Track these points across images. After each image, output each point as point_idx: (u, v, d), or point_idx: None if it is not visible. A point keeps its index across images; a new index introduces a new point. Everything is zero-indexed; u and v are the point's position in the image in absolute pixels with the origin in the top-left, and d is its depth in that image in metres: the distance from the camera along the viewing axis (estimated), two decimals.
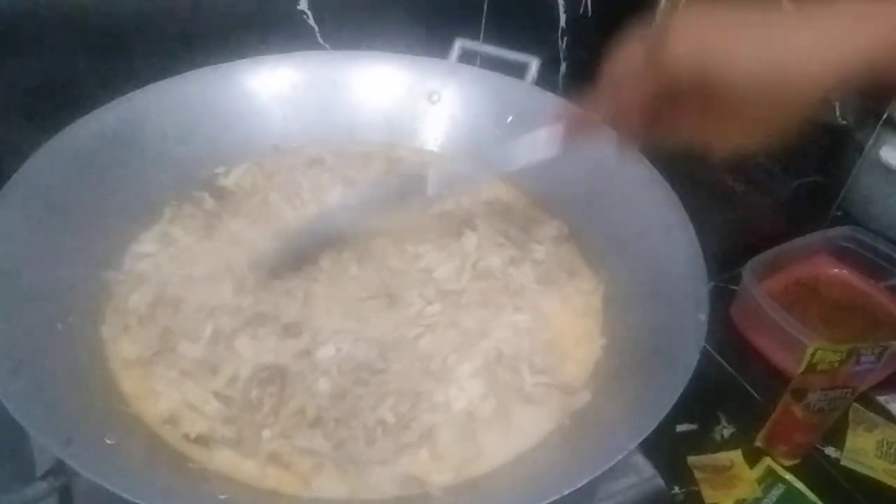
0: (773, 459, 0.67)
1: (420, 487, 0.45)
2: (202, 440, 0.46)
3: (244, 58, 0.67)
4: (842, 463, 0.68)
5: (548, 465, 0.46)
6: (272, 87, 0.68)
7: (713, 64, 0.37)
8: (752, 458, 0.67)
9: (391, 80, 0.70)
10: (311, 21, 0.75)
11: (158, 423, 0.47)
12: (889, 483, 0.67)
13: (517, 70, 0.70)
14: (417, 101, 0.70)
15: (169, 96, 0.63)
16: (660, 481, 0.58)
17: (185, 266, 0.56)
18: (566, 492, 0.38)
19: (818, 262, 0.86)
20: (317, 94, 0.69)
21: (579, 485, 0.39)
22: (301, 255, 0.56)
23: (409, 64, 0.70)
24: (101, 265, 0.55)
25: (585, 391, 0.51)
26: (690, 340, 0.47)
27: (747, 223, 0.91)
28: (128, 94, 0.61)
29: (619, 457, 0.40)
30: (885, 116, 0.88)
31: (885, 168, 0.89)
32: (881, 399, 0.74)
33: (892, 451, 0.69)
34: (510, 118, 0.68)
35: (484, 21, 0.84)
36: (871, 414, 0.72)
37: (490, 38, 0.82)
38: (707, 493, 0.64)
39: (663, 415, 0.41)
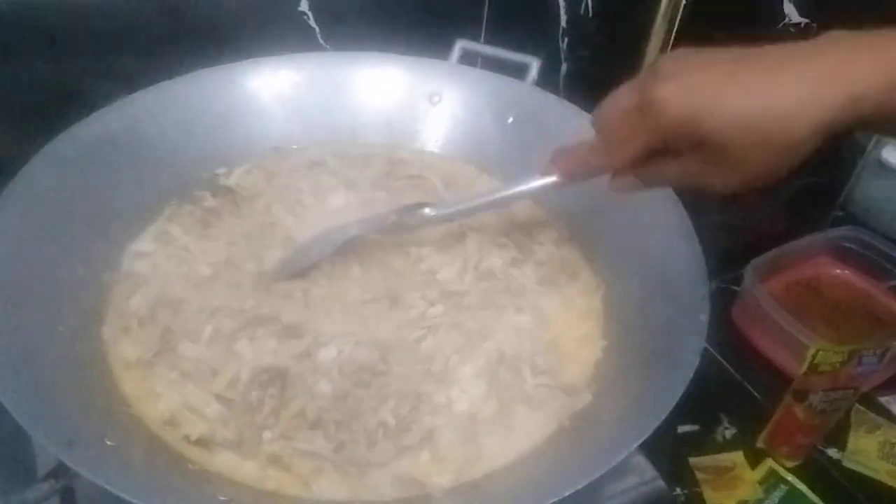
0: (775, 460, 0.67)
1: (421, 489, 0.45)
2: (203, 441, 0.46)
3: (245, 59, 0.67)
4: (844, 464, 0.68)
5: (549, 467, 0.46)
6: (273, 88, 0.68)
7: (702, 109, 0.37)
8: (754, 459, 0.67)
9: (392, 81, 0.70)
10: (312, 22, 0.75)
11: (159, 424, 0.47)
12: (891, 484, 0.67)
13: (518, 71, 0.70)
14: (418, 103, 0.70)
15: (170, 98, 0.63)
16: (661, 482, 0.58)
17: (183, 266, 0.56)
18: (567, 493, 0.38)
19: (819, 263, 0.86)
20: (318, 96, 0.69)
21: (580, 486, 0.39)
22: (304, 266, 0.56)
23: (410, 65, 0.70)
24: (102, 267, 0.55)
25: (586, 392, 0.51)
26: (691, 342, 0.47)
27: (749, 224, 0.90)
28: (129, 96, 0.61)
29: (620, 458, 0.40)
30: None
31: (887, 168, 0.89)
32: (883, 400, 0.74)
33: (895, 452, 0.69)
34: (511, 119, 0.68)
35: (485, 22, 0.84)
36: (873, 415, 0.72)
37: (491, 40, 0.82)
38: (708, 494, 0.64)
39: (664, 416, 0.41)
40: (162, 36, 0.68)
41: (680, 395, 0.42)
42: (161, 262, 0.56)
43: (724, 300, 0.81)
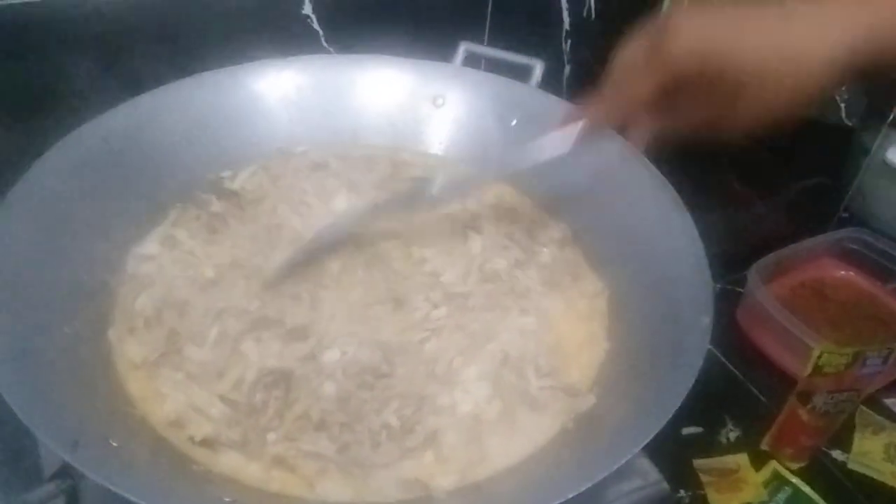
0: (780, 462, 0.67)
1: (424, 491, 0.45)
2: (207, 443, 0.46)
3: (249, 61, 0.67)
4: (849, 466, 0.68)
5: (552, 469, 0.46)
6: (277, 90, 0.68)
7: (716, 51, 0.38)
8: (759, 461, 0.67)
9: (395, 83, 0.70)
10: (316, 25, 0.75)
11: (164, 425, 0.47)
12: None
13: (521, 73, 0.70)
14: (422, 105, 0.70)
15: (174, 100, 0.63)
16: (665, 485, 0.58)
17: (188, 269, 0.57)
18: (570, 495, 0.38)
19: (824, 265, 0.86)
20: (321, 98, 0.69)
21: (584, 488, 0.39)
22: (309, 261, 0.56)
23: (414, 67, 0.70)
24: (107, 269, 0.55)
25: (590, 394, 0.51)
26: (694, 344, 0.46)
27: (753, 225, 0.91)
28: (133, 99, 0.61)
29: (624, 460, 0.40)
30: (890, 117, 0.88)
31: (892, 169, 0.89)
32: (888, 402, 0.74)
33: None
34: (514, 121, 0.68)
35: (488, 24, 0.85)
36: (879, 417, 0.72)
37: (494, 42, 0.82)
38: (713, 496, 0.64)
39: (667, 418, 0.41)
40: (166, 39, 0.68)
41: (684, 397, 0.42)
42: (166, 265, 0.57)
43: (728, 302, 0.81)
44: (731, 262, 0.81)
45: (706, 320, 0.48)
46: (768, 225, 0.92)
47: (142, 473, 0.41)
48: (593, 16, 0.90)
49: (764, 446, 0.68)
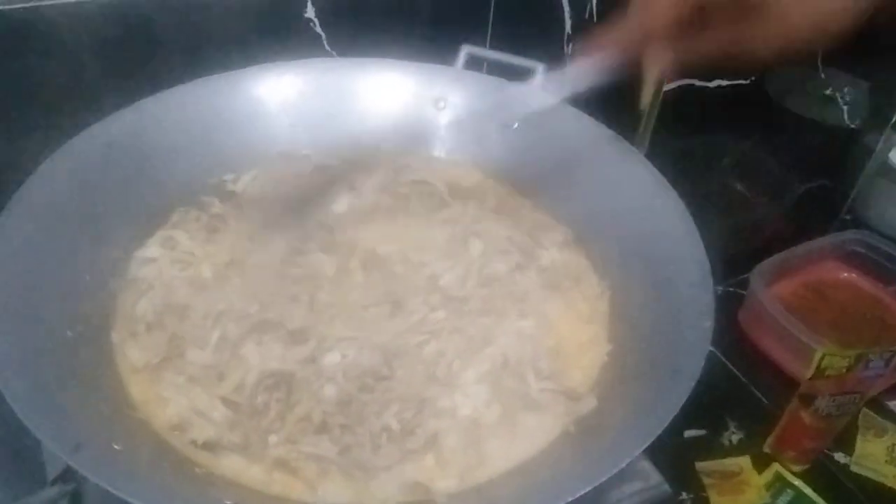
0: (782, 465, 0.67)
1: (425, 493, 0.45)
2: (209, 446, 0.46)
3: (251, 65, 0.67)
4: (851, 469, 0.68)
5: (553, 472, 0.46)
6: (279, 94, 0.68)
7: None
8: (761, 463, 0.67)
9: (397, 86, 0.70)
10: (318, 28, 0.75)
11: (166, 428, 0.47)
12: None
13: (523, 76, 0.70)
14: (424, 108, 0.70)
15: (177, 104, 0.63)
16: (666, 487, 0.58)
17: (187, 268, 0.57)
18: (571, 498, 0.38)
19: (826, 267, 0.86)
20: (323, 101, 0.69)
21: (584, 491, 0.39)
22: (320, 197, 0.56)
23: (416, 70, 0.70)
24: (109, 273, 0.55)
25: (591, 397, 0.51)
26: (697, 346, 0.46)
27: (755, 227, 0.90)
28: (135, 103, 0.61)
29: (625, 463, 0.40)
30: (893, 119, 0.88)
31: (894, 171, 0.89)
32: (891, 404, 0.74)
33: None
34: (516, 124, 0.68)
35: (490, 27, 0.85)
36: (881, 419, 0.72)
37: (496, 45, 0.82)
38: (715, 498, 0.64)
39: (668, 421, 0.41)
40: (168, 43, 0.68)
41: (685, 399, 0.42)
42: (167, 267, 0.57)
43: (730, 304, 0.81)
44: (733, 264, 0.81)
45: (708, 322, 0.48)
46: (770, 227, 0.92)
47: (144, 476, 0.41)
48: (595, 18, 0.90)
49: (766, 449, 0.68)
